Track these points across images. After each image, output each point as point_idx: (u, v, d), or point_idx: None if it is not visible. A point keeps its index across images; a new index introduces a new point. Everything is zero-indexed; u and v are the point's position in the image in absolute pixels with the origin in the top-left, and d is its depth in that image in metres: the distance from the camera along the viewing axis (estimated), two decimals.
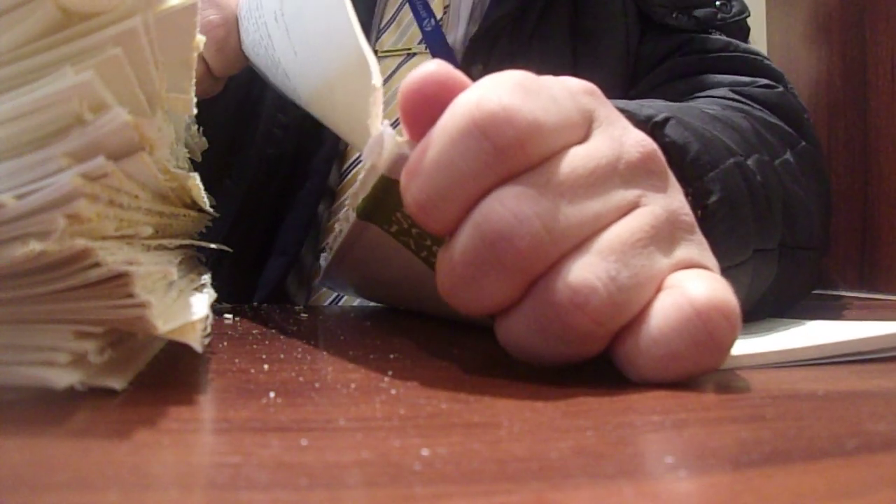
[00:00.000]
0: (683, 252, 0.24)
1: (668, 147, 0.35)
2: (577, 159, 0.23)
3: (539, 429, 0.18)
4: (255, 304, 0.54)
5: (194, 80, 0.31)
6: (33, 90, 0.20)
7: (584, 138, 0.24)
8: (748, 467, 0.15)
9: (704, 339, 0.21)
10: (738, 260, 0.37)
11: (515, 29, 0.60)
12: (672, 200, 0.24)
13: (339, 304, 0.58)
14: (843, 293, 0.84)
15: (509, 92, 0.22)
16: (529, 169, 0.22)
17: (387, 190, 0.25)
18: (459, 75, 0.24)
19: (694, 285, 0.22)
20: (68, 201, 0.19)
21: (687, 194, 0.25)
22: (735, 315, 0.22)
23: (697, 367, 0.22)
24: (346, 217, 0.30)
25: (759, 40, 1.75)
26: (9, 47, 0.20)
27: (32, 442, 0.16)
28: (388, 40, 0.63)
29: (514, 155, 0.22)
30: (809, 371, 0.25)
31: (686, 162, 0.35)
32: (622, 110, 0.26)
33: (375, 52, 0.63)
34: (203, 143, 0.43)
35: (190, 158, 0.40)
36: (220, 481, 0.14)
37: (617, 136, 0.24)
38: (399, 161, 0.24)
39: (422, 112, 0.23)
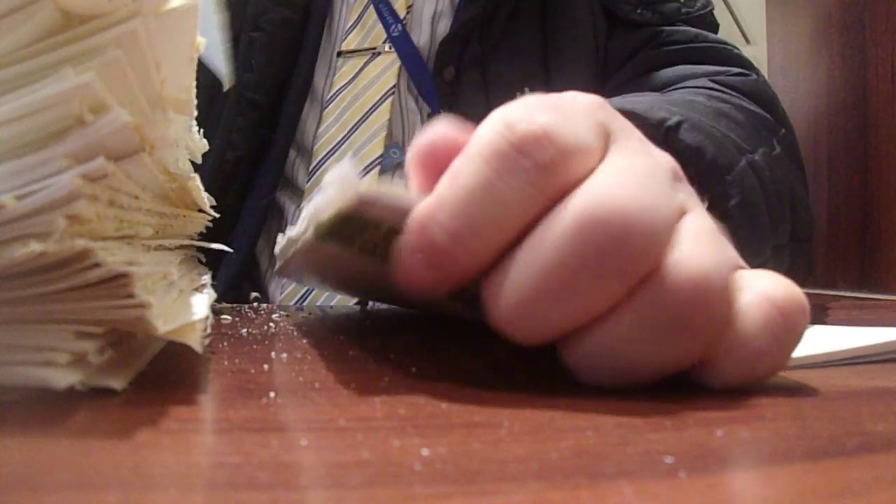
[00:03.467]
0: (732, 254, 0.23)
1: (683, 151, 0.34)
2: (622, 171, 0.21)
3: (539, 429, 0.18)
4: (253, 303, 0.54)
5: (195, 81, 0.31)
6: (34, 91, 0.20)
7: (604, 153, 0.22)
8: (748, 467, 0.15)
9: (785, 335, 0.21)
10: (759, 260, 0.37)
11: (485, 32, 0.62)
12: (703, 206, 0.23)
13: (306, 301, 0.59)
14: (843, 293, 0.84)
15: (537, 110, 0.21)
16: (576, 187, 0.20)
17: (351, 222, 0.23)
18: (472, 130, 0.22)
19: (765, 283, 0.22)
20: (68, 202, 0.19)
21: (703, 199, 0.24)
22: (807, 307, 0.22)
23: (779, 364, 0.22)
24: (301, 231, 0.28)
25: (759, 40, 1.75)
26: (10, 49, 0.20)
27: (32, 442, 0.16)
28: (353, 41, 0.65)
29: (559, 173, 0.20)
30: (809, 371, 0.25)
31: (703, 166, 0.35)
32: (631, 113, 0.25)
33: (340, 53, 0.65)
34: (203, 144, 0.43)
35: (190, 159, 0.40)
36: (220, 481, 0.14)
37: (641, 148, 0.23)
38: (366, 199, 0.22)
39: (432, 164, 0.22)
